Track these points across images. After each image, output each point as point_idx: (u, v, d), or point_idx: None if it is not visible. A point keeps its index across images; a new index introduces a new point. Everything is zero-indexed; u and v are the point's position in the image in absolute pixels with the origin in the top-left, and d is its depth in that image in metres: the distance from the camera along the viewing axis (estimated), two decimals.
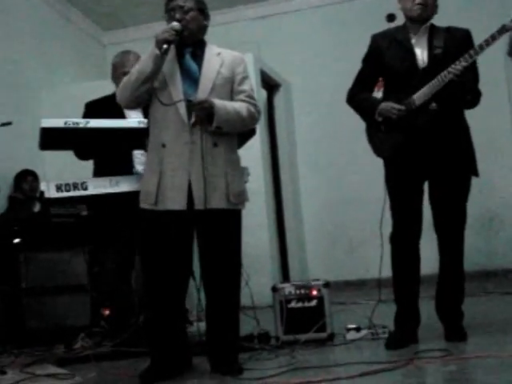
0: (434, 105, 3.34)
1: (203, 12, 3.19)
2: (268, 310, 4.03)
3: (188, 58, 3.16)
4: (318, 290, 3.75)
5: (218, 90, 3.12)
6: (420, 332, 3.46)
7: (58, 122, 3.30)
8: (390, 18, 6.08)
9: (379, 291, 3.67)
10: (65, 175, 3.96)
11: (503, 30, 3.20)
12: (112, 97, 3.85)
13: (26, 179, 5.64)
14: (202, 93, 3.09)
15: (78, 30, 7.42)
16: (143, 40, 6.41)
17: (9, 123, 3.87)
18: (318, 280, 3.84)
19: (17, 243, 4.63)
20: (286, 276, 6.78)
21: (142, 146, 3.52)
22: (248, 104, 3.17)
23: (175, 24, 3.04)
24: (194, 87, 3.11)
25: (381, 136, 3.49)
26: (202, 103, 3.03)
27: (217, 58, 3.18)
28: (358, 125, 3.73)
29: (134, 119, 3.65)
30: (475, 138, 3.49)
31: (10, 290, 4.59)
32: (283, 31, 7.44)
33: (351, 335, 3.67)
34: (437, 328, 3.52)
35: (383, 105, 3.42)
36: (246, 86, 3.21)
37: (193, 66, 3.15)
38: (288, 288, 3.77)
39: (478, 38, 3.40)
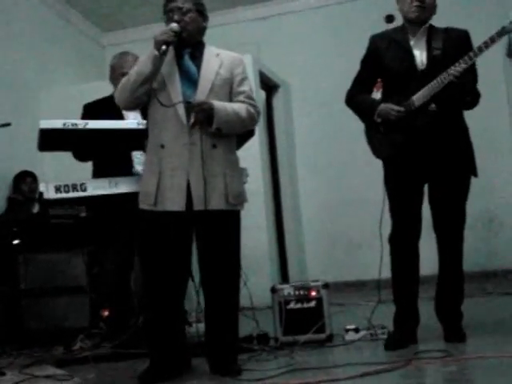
0: (433, 106, 3.35)
1: (202, 13, 3.19)
2: (267, 310, 4.02)
3: (187, 59, 3.16)
4: (317, 291, 3.75)
5: (216, 91, 3.12)
6: (419, 333, 3.46)
7: (56, 123, 3.30)
8: (389, 18, 6.10)
9: (379, 292, 3.67)
10: (64, 176, 3.96)
11: (503, 32, 3.20)
12: (110, 98, 3.85)
13: (25, 180, 5.64)
14: (200, 94, 3.09)
15: (77, 31, 7.43)
16: (142, 41, 6.43)
17: (8, 124, 3.86)
18: (317, 281, 3.84)
19: (16, 244, 4.63)
20: (284, 277, 6.78)
21: (141, 147, 3.52)
22: (247, 105, 3.17)
23: (174, 25, 3.05)
24: (192, 88, 3.11)
25: (380, 137, 3.49)
26: (202, 105, 3.03)
27: (216, 59, 3.18)
28: (357, 126, 3.72)
29: (132, 120, 3.65)
30: (474, 138, 3.49)
31: (9, 291, 4.59)
32: (282, 32, 7.44)
33: (350, 336, 3.67)
34: (436, 328, 3.52)
35: (382, 106, 3.42)
36: (245, 87, 3.21)
37: (192, 67, 3.15)
38: (287, 289, 3.77)
39: (476, 39, 3.41)
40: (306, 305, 3.73)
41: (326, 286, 3.77)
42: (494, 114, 6.48)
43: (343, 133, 6.87)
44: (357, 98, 3.59)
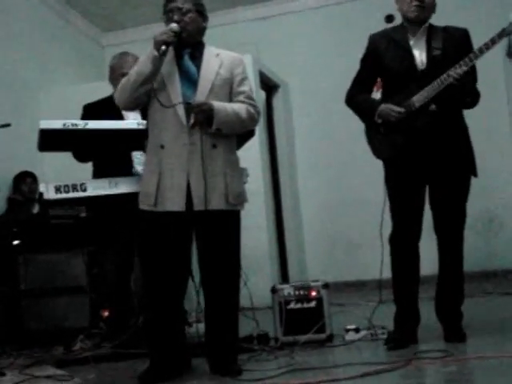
0: (433, 106, 3.35)
1: (202, 13, 3.19)
2: (267, 311, 4.02)
3: (187, 60, 3.16)
4: (317, 291, 3.75)
5: (216, 91, 3.12)
6: (419, 332, 3.46)
7: (56, 124, 3.30)
8: (389, 18, 6.09)
9: (380, 292, 3.67)
10: (64, 176, 3.94)
11: (503, 33, 3.21)
12: (110, 98, 3.85)
13: (25, 181, 5.64)
14: (200, 94, 3.09)
15: (76, 32, 7.43)
16: (142, 41, 6.44)
17: (7, 125, 3.86)
18: (317, 281, 3.84)
19: (16, 245, 4.63)
20: (285, 277, 6.78)
21: (141, 147, 3.52)
22: (247, 105, 3.17)
23: (174, 25, 3.04)
24: (192, 88, 3.11)
25: (380, 138, 3.49)
26: (202, 106, 3.03)
27: (215, 59, 3.18)
28: (357, 126, 3.72)
29: (132, 120, 3.65)
30: (474, 138, 3.49)
31: (9, 292, 4.59)
32: (282, 32, 7.44)
33: (350, 336, 3.67)
34: (436, 329, 3.52)
35: (383, 107, 3.42)
36: (245, 87, 3.21)
37: (191, 67, 3.14)
38: (287, 289, 3.77)
39: (476, 39, 3.41)
40: (306, 305, 3.73)
41: (326, 286, 3.77)
42: (494, 114, 6.49)
43: (343, 133, 6.87)
44: (357, 98, 3.59)
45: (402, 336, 3.40)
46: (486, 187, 6.15)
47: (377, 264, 3.54)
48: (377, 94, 3.61)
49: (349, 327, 3.70)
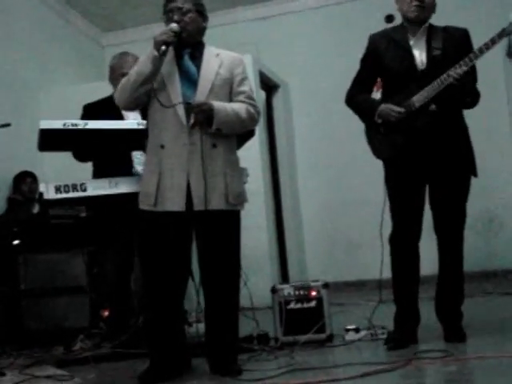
0: (433, 106, 3.35)
1: (202, 13, 3.19)
2: (267, 311, 4.02)
3: (187, 60, 3.16)
4: (317, 291, 3.75)
5: (216, 91, 3.12)
6: (419, 332, 3.46)
7: (56, 124, 3.30)
8: (389, 19, 6.09)
9: (380, 292, 3.67)
10: (64, 176, 3.95)
11: (503, 33, 3.21)
12: (110, 98, 3.85)
13: (25, 181, 5.64)
14: (200, 94, 3.09)
15: (76, 32, 7.43)
16: (142, 41, 6.45)
17: (7, 125, 3.86)
18: (317, 281, 3.84)
19: (16, 245, 4.63)
20: (285, 277, 6.78)
21: (141, 147, 3.52)
22: (247, 105, 3.17)
23: (174, 25, 3.04)
24: (192, 88, 3.11)
25: (380, 138, 3.49)
26: (201, 106, 3.03)
27: (215, 59, 3.18)
28: (357, 126, 3.72)
29: (132, 120, 3.65)
30: (474, 138, 3.49)
31: (9, 292, 4.59)
32: (282, 32, 7.44)
33: (350, 336, 3.67)
34: (436, 328, 3.52)
35: (383, 107, 3.42)
36: (245, 87, 3.21)
37: (191, 67, 3.14)
38: (287, 289, 3.77)
39: (476, 38, 3.41)
40: (306, 305, 3.73)
41: (326, 285, 3.77)
42: (494, 113, 6.49)
43: (343, 133, 6.87)
44: (357, 98, 3.59)
45: (402, 336, 3.40)
46: (486, 187, 6.15)
47: (377, 264, 3.54)
48: (377, 94, 3.61)
49: (349, 327, 3.71)
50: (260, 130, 5.97)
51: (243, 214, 3.21)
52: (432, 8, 3.44)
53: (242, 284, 3.29)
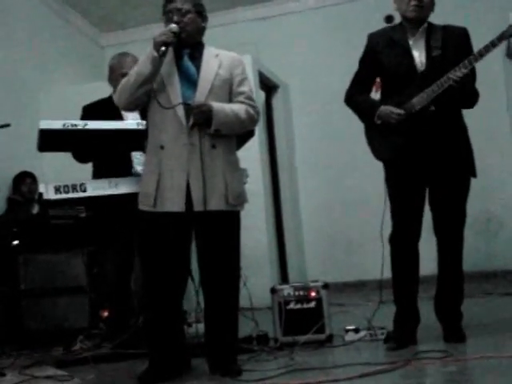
0: (432, 107, 3.34)
1: (201, 14, 3.19)
2: (267, 311, 4.02)
3: (186, 60, 3.16)
4: (317, 292, 3.74)
5: (216, 92, 3.12)
6: (419, 333, 3.47)
7: (56, 124, 3.31)
8: (389, 19, 6.09)
9: (380, 293, 3.67)
10: (63, 177, 3.94)
11: (503, 36, 3.20)
12: (109, 99, 3.85)
13: (25, 181, 5.64)
14: (200, 95, 3.09)
15: (76, 32, 7.43)
16: (142, 41, 6.44)
17: (7, 125, 3.86)
18: (316, 281, 3.84)
19: (16, 245, 4.63)
20: (284, 277, 6.77)
21: (141, 147, 3.52)
22: (247, 106, 3.17)
23: (173, 26, 3.04)
24: (192, 89, 3.11)
25: (380, 139, 3.49)
26: (201, 107, 3.03)
27: (215, 60, 3.18)
28: (357, 126, 3.72)
29: (132, 121, 3.65)
30: (474, 138, 3.49)
31: (9, 292, 4.59)
32: (281, 33, 7.43)
33: (350, 336, 3.67)
34: (436, 329, 3.52)
35: (383, 108, 3.41)
36: (244, 88, 3.21)
37: (191, 67, 3.15)
38: (287, 289, 3.77)
39: (476, 38, 3.41)
40: (305, 305, 3.73)
41: (325, 286, 3.77)
42: (493, 114, 6.49)
43: (343, 133, 6.86)
44: (356, 98, 3.59)
45: (402, 336, 3.40)
46: (486, 187, 6.15)
47: (376, 264, 3.54)
48: (376, 95, 3.60)
49: (348, 327, 3.71)
50: (260, 131, 5.98)
51: (243, 214, 3.21)
52: (430, 7, 3.43)
53: (242, 284, 3.29)
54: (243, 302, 3.48)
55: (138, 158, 3.95)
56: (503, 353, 2.95)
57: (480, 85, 3.46)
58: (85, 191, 3.32)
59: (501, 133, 6.68)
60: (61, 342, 4.14)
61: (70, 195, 3.30)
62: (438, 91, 3.29)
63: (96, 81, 6.48)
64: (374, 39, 3.54)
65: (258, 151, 6.13)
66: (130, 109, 3.28)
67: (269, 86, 7.12)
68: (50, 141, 3.42)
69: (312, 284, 3.80)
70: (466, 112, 3.51)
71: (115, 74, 4.05)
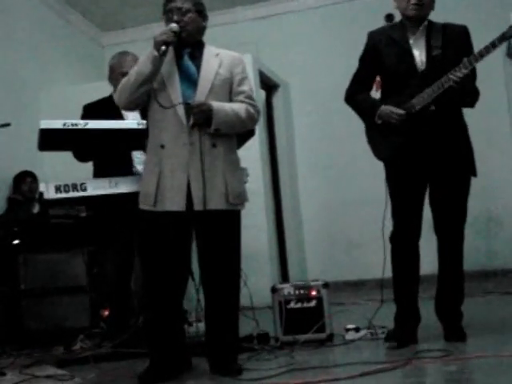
0: (432, 107, 3.34)
1: (201, 13, 3.19)
2: (267, 310, 4.02)
3: (186, 59, 3.16)
4: (317, 291, 3.74)
5: (216, 91, 3.12)
6: (419, 332, 3.46)
7: (56, 124, 3.31)
8: (389, 18, 6.09)
9: (381, 292, 3.67)
10: (64, 176, 3.95)
11: (503, 37, 3.19)
12: (109, 98, 3.85)
13: (25, 180, 5.64)
14: (200, 94, 3.09)
15: (76, 31, 7.43)
16: (142, 41, 6.46)
17: (7, 124, 3.86)
18: (317, 280, 3.84)
19: (16, 244, 4.63)
20: (285, 276, 6.78)
21: (141, 146, 3.52)
22: (247, 105, 3.17)
23: (173, 25, 3.04)
24: (192, 88, 3.11)
25: (380, 138, 3.49)
26: (201, 106, 3.03)
27: (215, 59, 3.18)
28: (357, 126, 3.72)
29: (132, 120, 3.65)
30: (474, 138, 3.49)
31: (9, 292, 4.59)
32: (282, 32, 7.44)
33: (350, 335, 3.67)
34: (436, 328, 3.52)
35: (383, 108, 3.41)
36: (245, 87, 3.21)
37: (191, 67, 3.14)
38: (287, 288, 3.77)
39: (476, 37, 3.41)
40: (306, 304, 3.73)
41: (326, 285, 3.77)
42: (494, 113, 6.49)
43: (343, 132, 6.87)
44: (357, 97, 3.59)
45: (403, 335, 3.40)
46: (486, 187, 6.15)
47: (377, 264, 3.54)
48: (376, 94, 3.60)
49: (349, 326, 3.71)
50: (260, 130, 5.98)
51: (243, 213, 3.21)
52: (431, 5, 3.42)
53: (242, 283, 3.29)
54: (244, 301, 3.48)
55: (138, 158, 3.96)
56: (504, 352, 2.95)
57: (480, 84, 3.46)
58: (85, 190, 3.32)
59: (501, 133, 6.69)
60: (61, 341, 4.15)
61: (71, 194, 3.30)
62: (438, 91, 3.29)
63: (96, 80, 6.48)
64: (373, 37, 3.54)
65: (258, 150, 6.13)
66: (131, 108, 3.28)
67: (269, 85, 7.12)
68: (50, 140, 3.42)
69: (312, 283, 3.80)
70: (466, 112, 3.51)
71: (115, 74, 4.05)
